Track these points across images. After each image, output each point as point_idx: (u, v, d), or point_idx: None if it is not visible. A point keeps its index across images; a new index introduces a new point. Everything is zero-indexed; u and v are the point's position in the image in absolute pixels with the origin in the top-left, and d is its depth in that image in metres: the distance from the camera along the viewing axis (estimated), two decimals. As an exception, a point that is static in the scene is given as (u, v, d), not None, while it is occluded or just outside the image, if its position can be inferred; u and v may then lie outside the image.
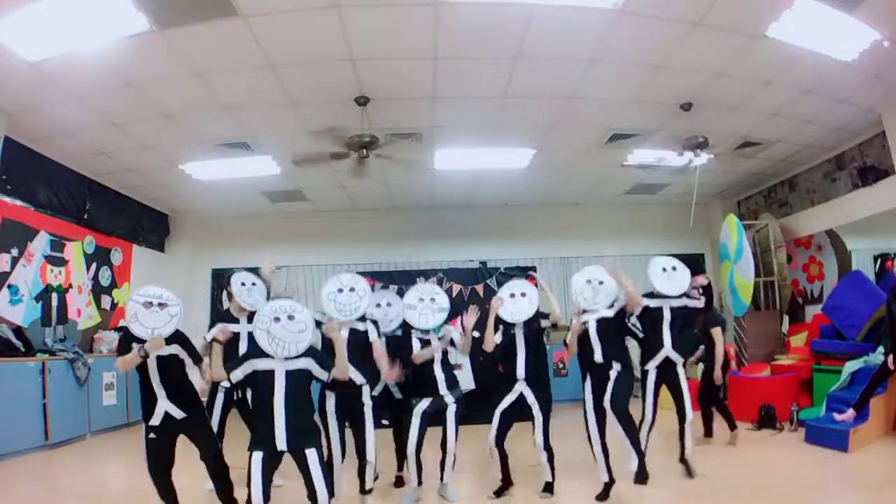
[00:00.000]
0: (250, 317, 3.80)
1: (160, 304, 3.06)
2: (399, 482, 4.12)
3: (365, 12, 3.98)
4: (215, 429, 3.88)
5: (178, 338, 3.13)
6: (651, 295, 4.10)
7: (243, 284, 4.04)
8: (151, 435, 3.03)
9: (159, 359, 3.04)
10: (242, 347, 3.76)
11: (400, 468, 4.15)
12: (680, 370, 4.07)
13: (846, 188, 6.86)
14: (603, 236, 9.35)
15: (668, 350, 4.04)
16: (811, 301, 7.90)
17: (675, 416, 4.12)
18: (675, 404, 4.11)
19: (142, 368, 3.05)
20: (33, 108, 5.16)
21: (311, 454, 2.73)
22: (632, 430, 3.68)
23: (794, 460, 4.59)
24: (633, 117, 5.91)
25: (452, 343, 3.81)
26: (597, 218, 9.39)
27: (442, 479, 3.86)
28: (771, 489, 3.76)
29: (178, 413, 3.06)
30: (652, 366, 4.07)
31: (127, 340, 3.06)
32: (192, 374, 3.22)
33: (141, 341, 3.00)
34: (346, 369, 3.04)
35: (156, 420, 3.03)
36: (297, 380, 2.82)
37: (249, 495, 2.65)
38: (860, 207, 6.60)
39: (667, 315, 4.05)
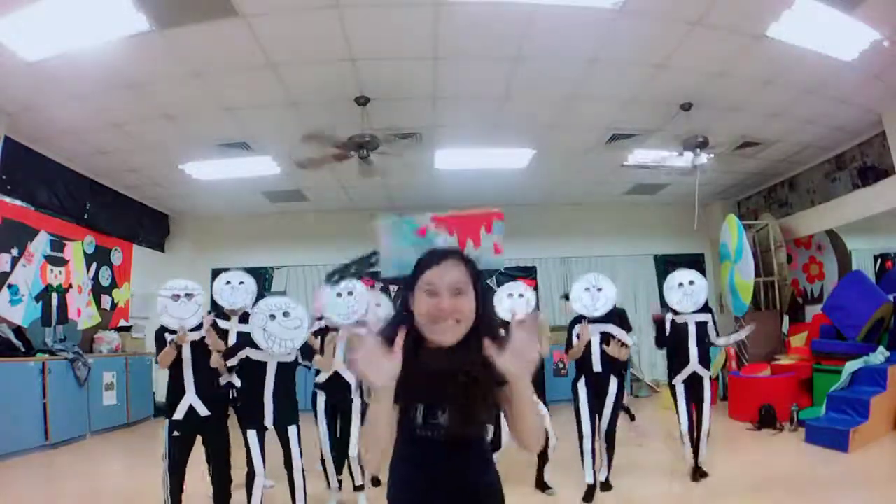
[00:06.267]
0: (241, 317, 3.81)
1: (187, 295, 3.21)
2: (375, 481, 4.13)
3: (365, 12, 3.97)
4: None
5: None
6: (674, 312, 4.11)
7: (228, 283, 3.92)
8: (175, 433, 3.08)
9: (192, 343, 3.14)
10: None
11: None
12: (706, 383, 4.08)
13: (846, 188, 6.86)
14: (603, 236, 9.36)
15: (694, 365, 4.04)
16: (811, 301, 7.90)
17: (678, 419, 4.11)
18: (696, 415, 4.11)
19: (174, 362, 3.13)
20: (33, 108, 5.16)
21: (292, 430, 3.07)
22: (613, 449, 3.88)
23: (794, 460, 4.60)
24: (633, 117, 5.90)
25: None
26: (597, 218, 9.39)
27: None
28: (771, 489, 3.76)
29: (202, 409, 3.11)
30: (679, 380, 4.08)
31: (162, 336, 3.17)
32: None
33: (174, 333, 3.12)
34: (329, 365, 3.46)
35: (179, 414, 3.08)
36: (287, 370, 3.09)
37: (251, 464, 2.97)
38: (860, 207, 6.60)
39: (692, 330, 4.05)
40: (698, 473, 4.08)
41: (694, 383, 4.07)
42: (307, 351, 3.24)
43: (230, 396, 3.97)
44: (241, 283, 3.95)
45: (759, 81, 5.13)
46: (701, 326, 4.07)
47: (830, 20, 4.12)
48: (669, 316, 4.13)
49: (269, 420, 3.01)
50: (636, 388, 8.73)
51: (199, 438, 3.24)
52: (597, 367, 3.81)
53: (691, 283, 4.07)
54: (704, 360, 4.08)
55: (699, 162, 5.84)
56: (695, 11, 4.05)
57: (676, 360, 4.09)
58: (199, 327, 3.18)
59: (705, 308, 4.10)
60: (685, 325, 4.06)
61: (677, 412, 4.08)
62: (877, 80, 5.10)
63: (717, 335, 4.19)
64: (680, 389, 4.07)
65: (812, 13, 4.04)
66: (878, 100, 5.55)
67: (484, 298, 1.32)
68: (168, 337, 3.14)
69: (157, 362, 3.23)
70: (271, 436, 3.06)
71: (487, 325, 1.30)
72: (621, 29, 4.22)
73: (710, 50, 4.58)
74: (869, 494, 3.69)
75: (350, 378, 3.67)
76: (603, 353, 3.82)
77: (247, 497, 2.99)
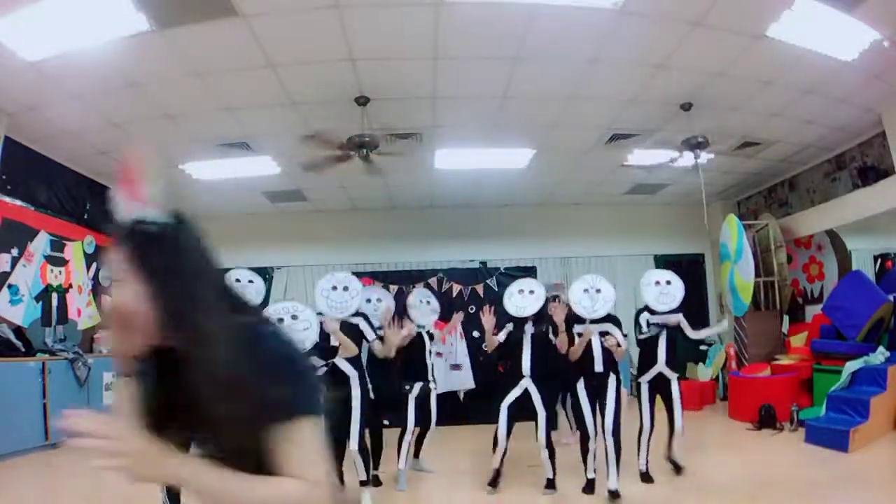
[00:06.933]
0: None
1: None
2: (375, 481, 4.17)
3: (365, 12, 3.97)
4: None
5: None
6: (649, 310, 4.13)
7: (238, 281, 3.93)
8: None
9: None
10: None
11: (376, 467, 4.23)
12: (674, 384, 4.11)
13: (846, 188, 6.85)
14: (603, 236, 9.36)
15: (661, 366, 4.08)
16: (811, 301, 7.89)
17: (640, 418, 4.12)
18: (667, 415, 4.14)
19: None
20: (33, 108, 5.16)
21: None
22: (620, 450, 3.79)
23: (794, 460, 4.60)
24: (633, 117, 5.90)
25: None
26: (597, 218, 9.38)
27: (418, 454, 4.47)
28: (771, 489, 3.76)
29: None
30: (645, 380, 4.12)
31: None
32: None
33: None
34: (350, 347, 3.52)
35: None
36: None
37: None
38: (860, 207, 6.60)
39: (663, 332, 4.09)
40: (675, 468, 4.13)
41: (660, 384, 4.10)
42: (331, 352, 3.26)
43: None
44: (251, 281, 3.98)
45: (759, 81, 5.13)
46: (672, 328, 4.09)
47: (830, 20, 4.11)
48: (645, 316, 4.12)
49: None
50: (635, 387, 8.72)
51: None
52: (598, 367, 3.86)
53: (668, 282, 4.11)
54: (672, 362, 4.10)
55: (699, 162, 5.84)
56: (695, 11, 4.05)
57: (645, 360, 4.14)
58: None
59: (677, 308, 4.11)
60: (657, 325, 4.09)
61: (640, 411, 4.10)
62: (877, 80, 5.10)
63: (692, 329, 4.19)
64: (644, 389, 4.11)
65: (812, 13, 4.04)
66: (878, 100, 5.55)
67: (164, 281, 0.85)
68: None
69: None
70: None
71: (171, 321, 0.85)
72: (621, 29, 4.22)
73: (710, 50, 4.57)
74: (869, 494, 3.69)
75: (348, 370, 3.67)
76: (603, 353, 3.86)
77: None
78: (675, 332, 4.13)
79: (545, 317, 3.96)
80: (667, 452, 4.19)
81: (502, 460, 3.92)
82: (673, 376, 4.11)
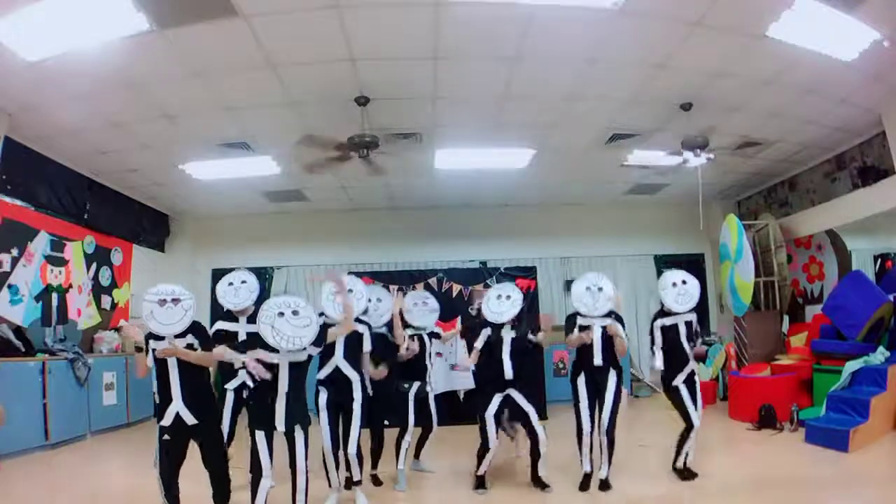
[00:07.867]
0: (250, 317, 3.83)
1: (174, 300, 3.13)
2: (375, 480, 4.20)
3: (365, 12, 3.98)
4: (225, 430, 3.89)
5: (192, 327, 3.17)
6: (664, 313, 4.11)
7: (231, 284, 3.95)
8: (165, 436, 3.05)
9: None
10: None
11: (375, 466, 4.25)
12: (697, 380, 4.11)
13: (846, 188, 6.86)
14: (603, 236, 9.37)
15: (693, 364, 4.07)
16: (811, 301, 7.90)
17: (688, 418, 4.08)
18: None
19: (161, 365, 3.07)
20: (33, 108, 5.16)
21: (300, 432, 3.01)
22: (613, 445, 3.83)
23: (794, 460, 4.60)
24: (633, 117, 5.91)
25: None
26: (597, 218, 9.39)
27: (418, 455, 4.50)
28: (771, 489, 3.76)
29: (189, 418, 3.06)
30: (680, 381, 4.05)
31: (147, 342, 3.11)
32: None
33: (160, 339, 3.05)
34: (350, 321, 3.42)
35: (166, 421, 3.05)
36: (299, 370, 3.03)
37: (258, 464, 2.93)
38: (860, 207, 6.60)
39: (682, 330, 4.07)
40: (689, 475, 4.07)
41: (692, 382, 4.08)
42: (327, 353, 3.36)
43: (243, 398, 3.98)
44: (244, 282, 3.96)
45: (759, 81, 5.13)
46: (689, 326, 4.10)
47: (830, 20, 4.12)
48: (659, 322, 4.11)
49: (280, 423, 2.96)
50: (636, 388, 8.73)
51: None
52: (597, 360, 3.86)
53: (684, 282, 4.11)
54: (695, 358, 4.13)
55: (699, 162, 5.84)
56: (695, 11, 4.05)
57: (674, 362, 4.06)
58: (184, 334, 3.11)
59: (693, 307, 4.11)
60: (675, 326, 4.07)
61: (686, 413, 3.99)
62: (877, 80, 5.10)
63: (698, 335, 4.18)
64: (684, 391, 4.02)
65: (812, 13, 4.04)
66: (878, 100, 5.55)
67: None
68: (152, 344, 3.06)
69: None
70: (279, 435, 3.04)
71: None
72: (621, 29, 4.22)
73: (710, 50, 4.57)
74: (869, 494, 3.69)
75: (351, 375, 3.67)
76: (604, 347, 3.85)
77: (251, 498, 2.98)
78: (690, 329, 4.10)
79: (524, 320, 3.96)
80: (682, 461, 4.09)
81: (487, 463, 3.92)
82: (697, 370, 4.11)
